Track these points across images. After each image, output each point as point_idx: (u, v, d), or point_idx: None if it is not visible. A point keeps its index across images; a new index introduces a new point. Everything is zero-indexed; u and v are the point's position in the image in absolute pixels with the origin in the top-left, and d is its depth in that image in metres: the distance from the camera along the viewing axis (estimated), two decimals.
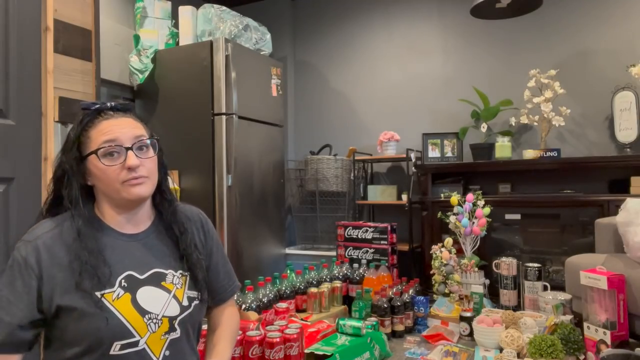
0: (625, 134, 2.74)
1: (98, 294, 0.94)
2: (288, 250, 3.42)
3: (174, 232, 1.09)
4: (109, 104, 1.02)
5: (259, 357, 1.56)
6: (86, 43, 2.05)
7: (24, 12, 1.81)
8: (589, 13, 3.00)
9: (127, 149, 0.97)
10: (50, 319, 0.94)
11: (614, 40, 2.94)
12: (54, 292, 0.92)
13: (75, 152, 0.99)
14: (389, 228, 2.74)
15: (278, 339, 1.55)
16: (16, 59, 1.77)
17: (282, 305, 1.99)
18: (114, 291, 0.96)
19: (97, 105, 1.01)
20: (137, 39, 2.89)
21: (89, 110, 1.01)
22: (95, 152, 0.97)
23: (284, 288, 2.16)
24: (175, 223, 1.09)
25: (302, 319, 1.97)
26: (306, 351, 1.67)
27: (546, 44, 3.12)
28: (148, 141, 1.02)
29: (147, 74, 2.89)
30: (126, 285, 0.98)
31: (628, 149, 2.72)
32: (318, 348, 1.68)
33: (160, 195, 1.10)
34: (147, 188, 1.00)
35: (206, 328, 1.22)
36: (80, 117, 1.01)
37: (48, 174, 1.85)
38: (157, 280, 1.02)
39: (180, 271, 1.06)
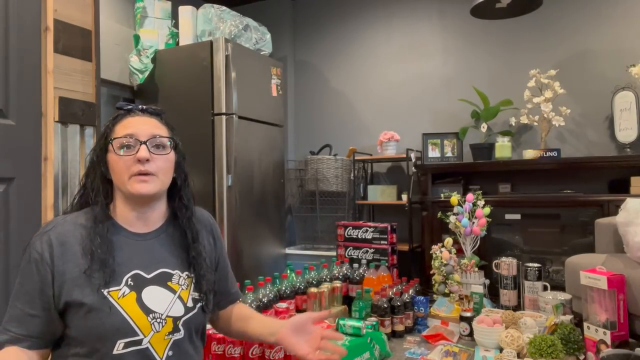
0: (625, 134, 2.74)
1: (104, 291, 0.95)
2: (288, 250, 3.42)
3: (186, 236, 1.10)
4: (140, 107, 1.08)
5: (259, 357, 1.56)
6: (86, 43, 2.05)
7: (24, 12, 1.81)
8: (589, 13, 3.00)
9: (142, 142, 1.01)
10: (60, 316, 0.96)
11: (614, 40, 2.94)
12: (62, 288, 0.95)
13: (101, 143, 1.05)
14: (389, 228, 2.74)
15: None
16: (16, 59, 1.77)
17: (282, 305, 1.99)
18: (120, 289, 0.97)
19: (130, 107, 1.07)
20: (137, 39, 2.89)
21: (121, 110, 1.08)
22: (112, 140, 1.02)
23: (284, 288, 2.16)
24: (189, 229, 1.10)
25: None
26: None
27: (546, 44, 3.12)
28: (165, 140, 1.05)
29: (147, 74, 2.89)
30: (132, 284, 0.99)
31: (628, 149, 2.72)
32: None
33: (179, 200, 1.12)
34: (152, 187, 1.01)
35: (216, 331, 1.25)
36: (114, 115, 1.08)
37: (48, 174, 1.85)
38: (163, 280, 1.03)
39: (187, 273, 1.07)
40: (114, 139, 1.01)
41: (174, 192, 1.11)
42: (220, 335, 1.58)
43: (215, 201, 2.74)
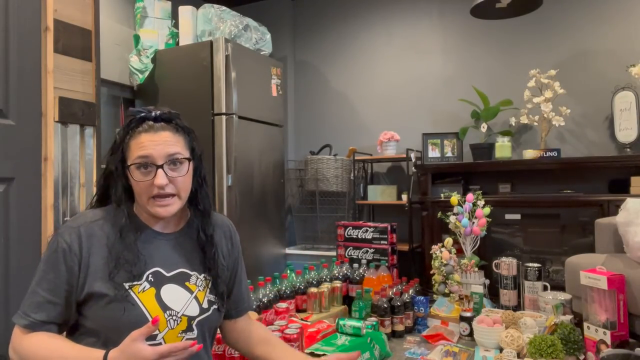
0: (625, 134, 2.74)
1: (126, 284, 0.98)
2: (288, 250, 3.42)
3: (203, 239, 1.11)
4: (153, 114, 1.04)
5: None
6: (86, 43, 2.05)
7: (24, 12, 1.81)
8: (590, 13, 3.00)
9: (158, 167, 1.00)
10: (77, 306, 0.99)
11: (614, 40, 2.94)
12: (86, 279, 0.98)
13: (119, 155, 1.04)
14: (389, 228, 2.74)
15: None
16: (16, 59, 1.77)
17: (282, 305, 1.99)
18: (141, 284, 1.00)
19: (143, 114, 1.04)
20: (137, 39, 2.89)
21: (134, 118, 1.04)
22: (130, 165, 1.01)
23: (284, 288, 2.16)
24: (205, 232, 1.11)
25: (302, 319, 1.97)
26: (306, 351, 1.67)
27: (546, 44, 3.12)
28: (183, 160, 1.04)
29: (147, 74, 2.89)
30: (152, 280, 1.02)
31: (628, 149, 2.72)
32: (318, 348, 1.68)
33: (196, 206, 1.12)
34: (172, 209, 1.03)
35: (230, 339, 1.26)
36: (127, 121, 1.05)
37: (48, 174, 1.85)
38: (181, 280, 1.06)
39: (204, 274, 1.10)
40: (132, 164, 1.01)
41: (192, 196, 1.12)
42: (221, 335, 1.58)
43: (216, 201, 2.74)
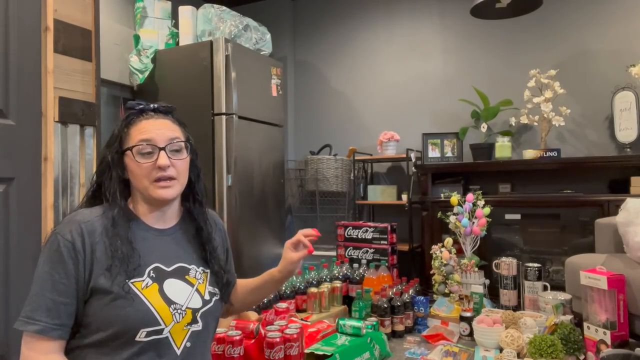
0: (625, 134, 2.74)
1: (129, 281, 0.98)
2: None
3: (201, 232, 1.15)
4: (152, 106, 1.09)
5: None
6: (86, 43, 2.05)
7: (24, 12, 1.81)
8: (589, 13, 3.00)
9: (161, 149, 1.03)
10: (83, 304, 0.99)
11: (614, 40, 2.94)
12: (91, 276, 0.97)
13: (116, 146, 1.06)
14: (389, 228, 2.74)
15: (278, 339, 1.55)
16: (16, 59, 1.77)
17: (282, 305, 1.99)
18: (143, 280, 1.00)
19: (141, 106, 1.09)
20: (137, 39, 2.89)
21: (133, 110, 1.09)
22: (131, 148, 1.03)
23: (284, 288, 2.16)
24: (204, 224, 1.15)
25: (302, 319, 1.97)
26: (306, 351, 1.67)
27: (546, 44, 3.12)
28: (182, 143, 1.08)
29: (147, 74, 2.89)
30: (154, 276, 1.02)
31: (628, 149, 2.72)
32: (318, 348, 1.68)
33: (193, 197, 1.16)
34: (173, 191, 1.06)
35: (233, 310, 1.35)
36: (125, 115, 1.09)
37: (48, 174, 1.85)
38: (181, 274, 1.07)
39: (202, 268, 1.13)
40: (133, 146, 1.03)
41: (188, 189, 1.14)
42: (221, 335, 1.58)
43: (215, 201, 2.74)
